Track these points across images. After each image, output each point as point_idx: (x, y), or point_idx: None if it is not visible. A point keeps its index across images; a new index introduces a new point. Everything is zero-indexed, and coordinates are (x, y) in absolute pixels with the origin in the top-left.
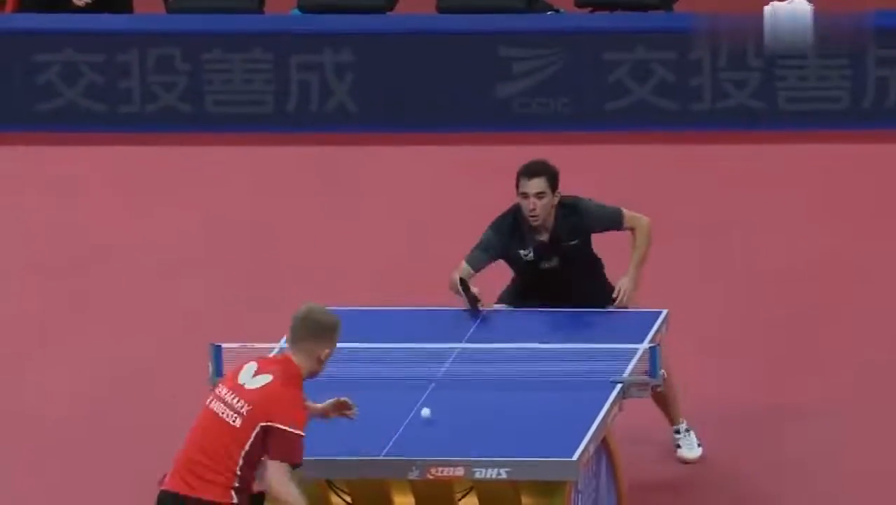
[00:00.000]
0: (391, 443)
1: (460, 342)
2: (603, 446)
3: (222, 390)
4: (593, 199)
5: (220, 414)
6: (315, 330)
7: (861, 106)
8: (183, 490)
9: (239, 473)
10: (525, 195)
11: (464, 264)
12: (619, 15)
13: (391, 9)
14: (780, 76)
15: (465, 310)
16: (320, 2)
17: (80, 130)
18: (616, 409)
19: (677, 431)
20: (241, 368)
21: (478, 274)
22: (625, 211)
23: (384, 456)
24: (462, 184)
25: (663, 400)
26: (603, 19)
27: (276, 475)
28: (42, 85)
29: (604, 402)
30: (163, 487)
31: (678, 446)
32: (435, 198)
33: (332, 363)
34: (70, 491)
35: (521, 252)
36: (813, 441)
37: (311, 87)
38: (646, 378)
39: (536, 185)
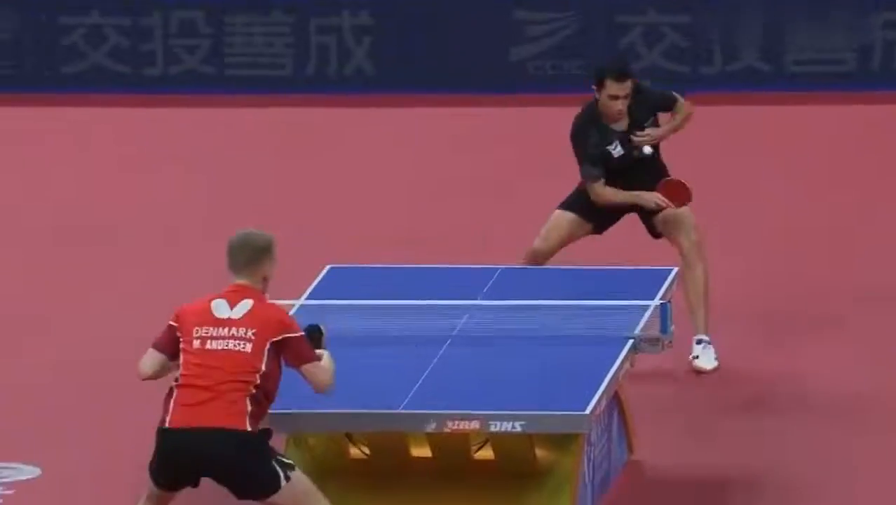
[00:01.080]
0: (409, 396)
1: (476, 299)
2: (615, 400)
3: (206, 331)
4: (648, 83)
5: (226, 348)
6: (257, 252)
7: (869, 68)
8: (199, 422)
9: (252, 402)
10: (615, 97)
11: (596, 185)
12: None
13: None
14: (789, 35)
15: (479, 268)
16: None
17: (105, 92)
18: (628, 363)
19: (699, 342)
20: (204, 309)
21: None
22: (678, 96)
23: (402, 409)
24: (477, 144)
25: (693, 289)
26: None
27: (317, 374)
28: (68, 47)
29: (616, 357)
30: (168, 426)
31: (696, 357)
32: (451, 156)
33: (353, 318)
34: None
35: (609, 148)
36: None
37: (329, 50)
38: (657, 334)
39: (627, 87)
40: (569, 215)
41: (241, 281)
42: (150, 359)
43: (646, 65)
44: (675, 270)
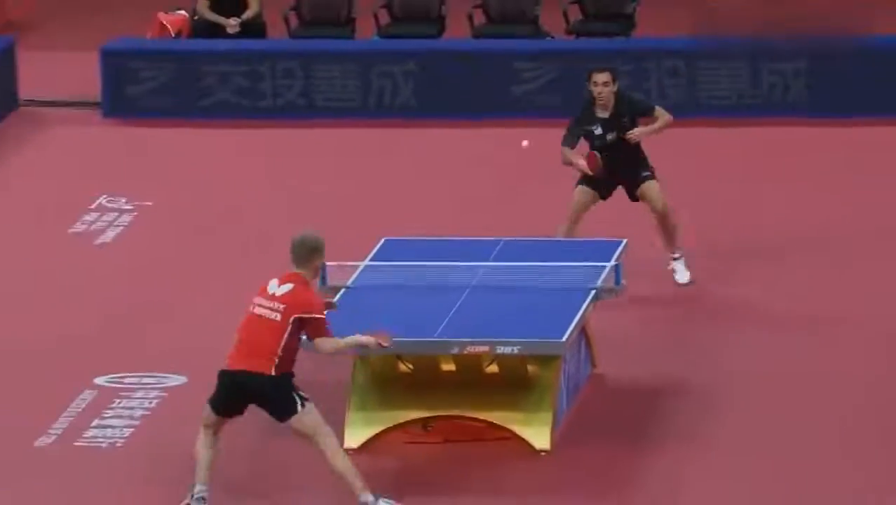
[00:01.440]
0: (440, 329)
1: (487, 261)
2: (582, 332)
3: (259, 300)
4: (635, 93)
5: (263, 315)
6: (310, 251)
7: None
8: (243, 366)
9: (279, 354)
10: (595, 83)
11: (565, 148)
12: (595, 39)
13: (441, 34)
14: (701, 79)
15: (489, 240)
16: (393, 31)
17: (230, 118)
18: (591, 307)
19: (674, 258)
20: (265, 286)
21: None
22: (657, 107)
23: (435, 338)
24: (490, 154)
25: (666, 232)
26: (584, 43)
27: (322, 345)
28: (204, 87)
29: (583, 302)
30: (226, 368)
31: (674, 271)
32: (472, 164)
33: (402, 275)
34: None
35: (592, 129)
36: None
37: (386, 88)
38: (612, 286)
39: (606, 76)
40: (580, 188)
41: (297, 270)
42: None
43: None
44: (625, 241)
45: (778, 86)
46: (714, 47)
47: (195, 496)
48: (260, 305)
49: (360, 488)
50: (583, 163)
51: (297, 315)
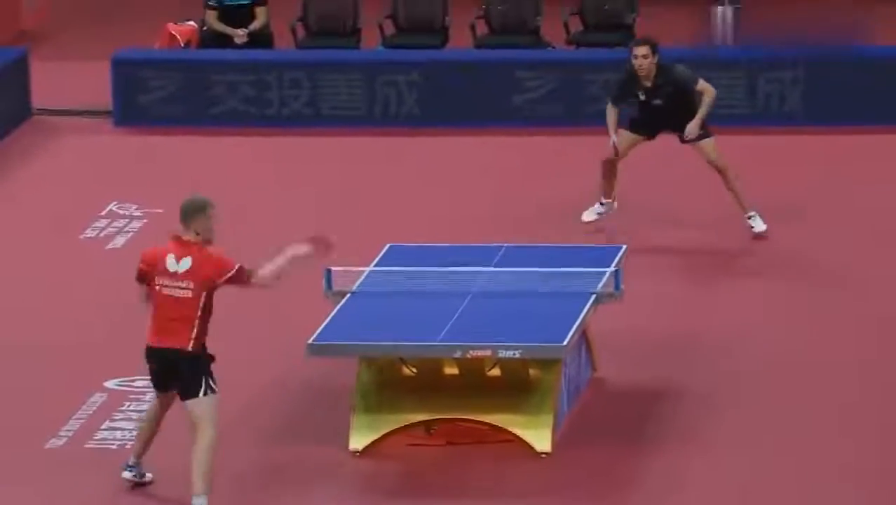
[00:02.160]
0: (443, 333)
1: (490, 266)
2: (583, 336)
3: (163, 281)
4: (683, 66)
5: (173, 294)
6: (194, 212)
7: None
8: (164, 343)
9: (195, 329)
10: (636, 56)
11: (611, 105)
12: (593, 50)
13: (445, 45)
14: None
15: (491, 246)
16: (397, 41)
17: (238, 126)
18: (592, 311)
19: (748, 217)
20: (162, 260)
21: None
22: (700, 79)
23: (439, 342)
24: (493, 161)
25: (734, 195)
26: (582, 53)
27: (261, 281)
28: (213, 96)
29: (583, 306)
30: (148, 343)
31: (752, 227)
32: (475, 171)
33: (407, 280)
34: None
35: (638, 93)
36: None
37: (391, 98)
38: (612, 291)
39: (642, 50)
40: (625, 133)
41: (185, 235)
42: None
43: None
44: (625, 246)
45: (774, 95)
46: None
47: (128, 464)
48: (165, 286)
49: (201, 490)
50: (615, 139)
51: (210, 287)
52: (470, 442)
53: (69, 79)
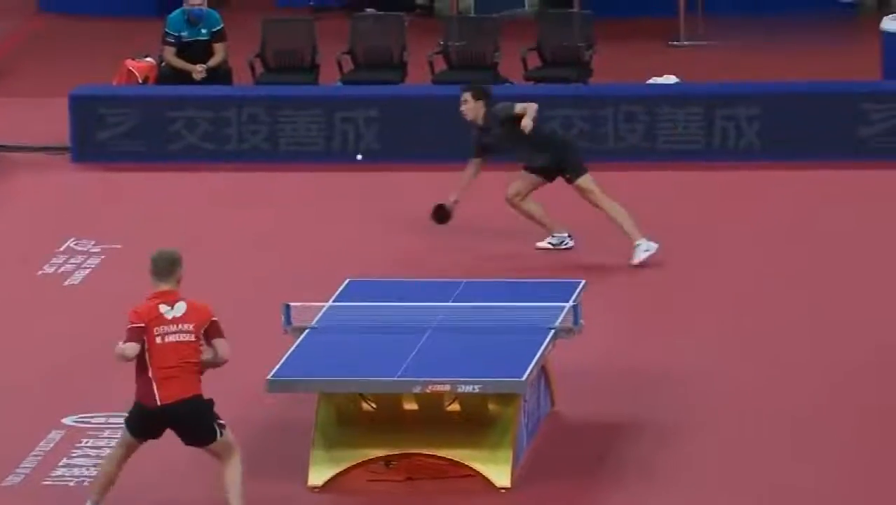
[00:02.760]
0: (402, 368)
1: (448, 302)
2: (542, 370)
3: (163, 329)
4: (505, 103)
5: (179, 340)
6: (172, 264)
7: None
8: (182, 395)
9: (199, 372)
10: (464, 109)
11: (472, 161)
12: (552, 85)
13: (403, 80)
14: (659, 126)
15: (450, 281)
16: (355, 77)
17: (197, 161)
18: (551, 346)
19: (637, 245)
20: (155, 312)
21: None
22: (516, 104)
23: (398, 378)
24: (442, 198)
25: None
26: (540, 88)
27: (223, 347)
28: (172, 132)
29: (542, 341)
30: (160, 404)
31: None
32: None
33: (366, 315)
34: None
35: (482, 137)
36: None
37: (349, 133)
38: (571, 326)
39: (463, 97)
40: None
41: (166, 286)
42: None
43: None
44: (583, 282)
45: (730, 130)
46: None
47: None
48: (169, 333)
49: None
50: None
51: (203, 327)
52: (430, 477)
53: (27, 115)
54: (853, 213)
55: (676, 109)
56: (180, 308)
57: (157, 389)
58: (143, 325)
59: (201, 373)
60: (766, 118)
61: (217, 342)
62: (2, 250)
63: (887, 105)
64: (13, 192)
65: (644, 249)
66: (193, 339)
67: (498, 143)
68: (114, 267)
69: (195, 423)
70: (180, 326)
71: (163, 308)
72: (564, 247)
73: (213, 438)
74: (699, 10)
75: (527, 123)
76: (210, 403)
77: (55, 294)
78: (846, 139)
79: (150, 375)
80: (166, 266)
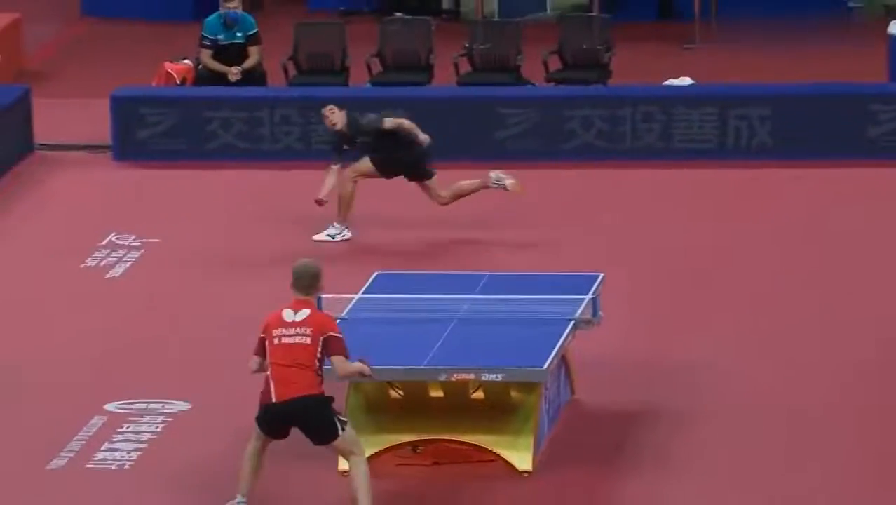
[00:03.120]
0: (429, 357)
1: (473, 294)
2: (563, 360)
3: (281, 331)
4: (367, 115)
5: (292, 341)
6: (313, 277)
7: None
8: (294, 393)
9: (318, 372)
10: (328, 120)
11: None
12: (571, 87)
13: (429, 82)
14: (675, 126)
15: (474, 274)
16: (383, 78)
17: (232, 160)
18: (571, 336)
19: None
20: (279, 317)
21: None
22: (383, 119)
23: (424, 366)
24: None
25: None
26: (561, 90)
27: (341, 364)
28: (209, 131)
29: (563, 332)
30: (275, 401)
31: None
32: (458, 204)
33: (393, 306)
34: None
35: (341, 144)
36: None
37: None
38: (590, 317)
39: (329, 108)
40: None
41: (303, 297)
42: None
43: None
44: (602, 275)
45: (743, 130)
46: None
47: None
48: (284, 336)
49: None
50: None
51: (323, 335)
52: (455, 462)
53: (70, 115)
54: (862, 211)
55: (691, 110)
56: (303, 314)
57: (274, 387)
58: (262, 335)
59: (321, 379)
60: (778, 118)
61: (334, 360)
62: (47, 244)
63: (894, 106)
64: (58, 189)
65: (336, 233)
66: (309, 342)
67: (361, 150)
68: (153, 260)
69: (312, 420)
70: (298, 329)
71: (286, 313)
72: (341, 238)
73: (336, 435)
74: (713, 14)
75: (424, 139)
76: (328, 400)
77: (97, 286)
78: (855, 139)
79: (268, 374)
80: (309, 282)
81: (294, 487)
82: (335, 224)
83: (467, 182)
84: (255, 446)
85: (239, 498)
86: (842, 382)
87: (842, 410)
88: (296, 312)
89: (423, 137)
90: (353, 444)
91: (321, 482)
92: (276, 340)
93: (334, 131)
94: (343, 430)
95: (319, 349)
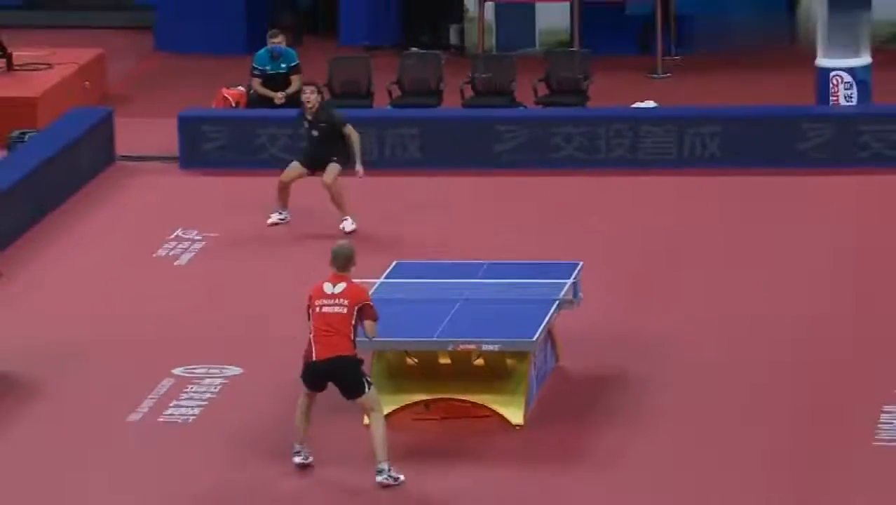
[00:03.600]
0: (438, 331)
1: (475, 279)
2: (549, 333)
3: (322, 301)
4: (337, 110)
5: (332, 311)
6: (347, 258)
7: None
8: (332, 354)
9: (352, 336)
10: (305, 94)
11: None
12: (556, 109)
13: (439, 104)
14: (642, 140)
15: (476, 262)
16: (401, 101)
17: (277, 168)
18: (556, 313)
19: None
20: (320, 289)
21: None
22: (348, 123)
23: (435, 339)
24: (474, 196)
25: (335, 201)
26: (548, 111)
27: (371, 327)
28: (258, 145)
29: (549, 310)
30: (315, 359)
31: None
32: (462, 202)
33: (410, 289)
34: None
35: (304, 123)
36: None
37: (397, 145)
38: (571, 298)
39: (312, 88)
40: (293, 163)
41: (340, 273)
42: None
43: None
44: (581, 263)
45: (697, 145)
46: None
47: (294, 451)
48: (325, 305)
49: (383, 458)
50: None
51: (358, 305)
52: (460, 417)
53: (145, 132)
54: (793, 210)
55: (655, 128)
56: (340, 287)
57: (315, 348)
58: (308, 303)
59: (355, 344)
60: (725, 135)
61: (366, 323)
62: (125, 237)
63: (820, 125)
64: (134, 192)
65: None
66: (345, 311)
67: (310, 131)
68: (213, 251)
69: (345, 377)
70: (336, 300)
71: (326, 286)
72: (282, 222)
73: (363, 392)
74: (672, 49)
75: (359, 170)
76: (359, 361)
77: (166, 272)
78: (788, 152)
79: (310, 337)
80: (343, 261)
81: (329, 436)
82: (282, 211)
83: (341, 201)
84: (303, 401)
85: (297, 446)
86: (785, 347)
87: (788, 370)
88: (334, 286)
89: (359, 164)
90: (375, 402)
91: (353, 432)
92: (318, 309)
93: (304, 109)
94: (369, 389)
95: (354, 317)
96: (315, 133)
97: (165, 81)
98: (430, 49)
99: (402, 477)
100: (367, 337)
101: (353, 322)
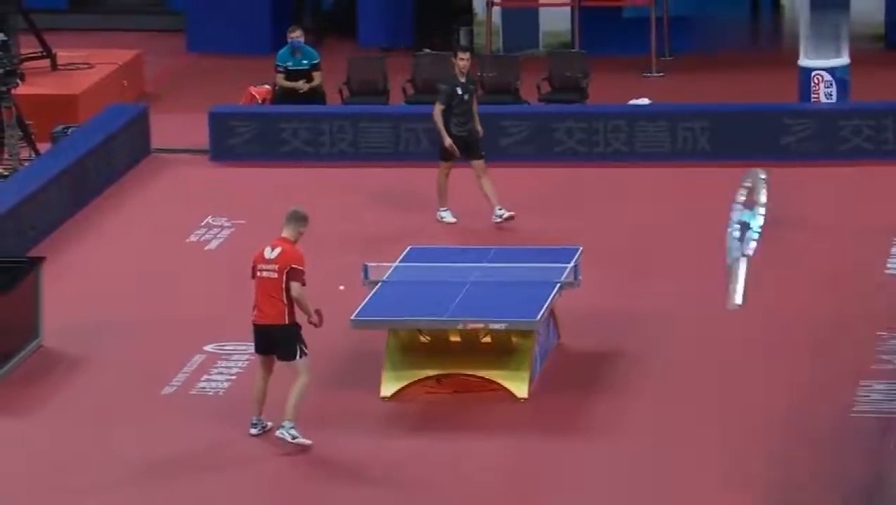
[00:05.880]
0: (449, 311)
1: (483, 262)
2: (551, 313)
3: (262, 266)
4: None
5: (267, 276)
6: (297, 219)
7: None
8: (266, 320)
9: (285, 302)
10: (462, 59)
11: (438, 105)
12: (558, 105)
13: None
14: (637, 135)
15: (484, 247)
16: (415, 99)
17: (300, 160)
18: (558, 295)
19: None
20: (261, 254)
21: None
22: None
23: (446, 318)
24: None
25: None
26: (550, 107)
27: (297, 290)
28: (282, 139)
29: (551, 291)
30: (254, 322)
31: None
32: (472, 192)
33: (422, 272)
34: None
35: (456, 88)
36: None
37: (411, 140)
38: (572, 280)
39: (468, 55)
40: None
41: (286, 234)
42: None
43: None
44: (581, 248)
45: (688, 138)
46: None
47: (252, 423)
48: (264, 270)
49: (290, 416)
50: (448, 141)
51: (286, 269)
52: (469, 390)
53: (177, 126)
54: (779, 198)
55: (649, 123)
56: (276, 252)
57: (256, 312)
58: (252, 265)
59: (292, 308)
60: (715, 129)
61: (290, 284)
62: (160, 224)
63: (803, 120)
64: (168, 183)
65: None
66: (276, 276)
67: (468, 98)
68: (241, 237)
69: (279, 342)
70: (270, 265)
71: (266, 250)
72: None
73: (293, 358)
74: (666, 50)
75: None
76: (294, 329)
77: (198, 257)
78: (772, 145)
79: (255, 301)
80: (290, 217)
81: (349, 408)
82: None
83: (490, 191)
84: (260, 373)
85: (254, 419)
86: (761, 324)
87: (760, 345)
88: (272, 250)
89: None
90: (304, 370)
91: (369, 405)
92: (258, 273)
93: (455, 76)
94: (300, 357)
95: (284, 281)
96: (466, 96)
97: (197, 80)
98: (442, 50)
99: (302, 440)
100: (298, 302)
101: (284, 287)
